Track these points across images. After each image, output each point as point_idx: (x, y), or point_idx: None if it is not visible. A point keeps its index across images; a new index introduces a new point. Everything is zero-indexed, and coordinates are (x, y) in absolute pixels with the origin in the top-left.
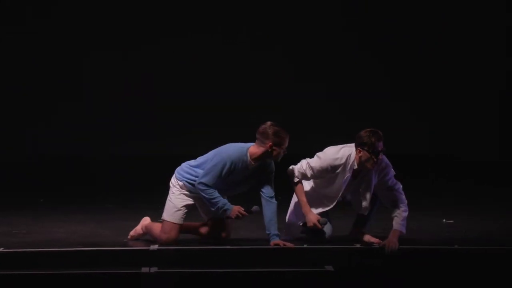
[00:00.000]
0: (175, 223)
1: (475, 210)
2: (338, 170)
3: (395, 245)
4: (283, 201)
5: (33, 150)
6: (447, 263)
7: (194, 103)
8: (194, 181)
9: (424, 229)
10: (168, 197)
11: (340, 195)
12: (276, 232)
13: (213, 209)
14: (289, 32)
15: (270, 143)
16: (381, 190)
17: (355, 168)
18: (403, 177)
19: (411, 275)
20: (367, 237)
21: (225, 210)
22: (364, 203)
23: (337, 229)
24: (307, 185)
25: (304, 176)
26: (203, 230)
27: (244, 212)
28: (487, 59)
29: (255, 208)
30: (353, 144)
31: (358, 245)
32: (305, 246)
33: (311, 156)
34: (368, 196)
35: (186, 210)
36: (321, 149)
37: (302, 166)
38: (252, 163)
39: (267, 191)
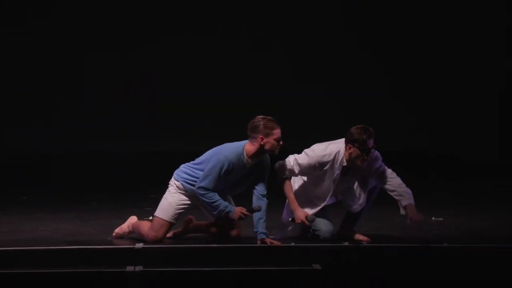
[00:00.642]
0: (165, 221)
1: (464, 208)
2: (326, 167)
3: (419, 216)
4: (271, 199)
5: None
6: (436, 261)
7: (193, 102)
8: (193, 180)
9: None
10: (164, 195)
11: (330, 193)
12: (264, 230)
13: (215, 212)
14: (289, 32)
15: (261, 136)
16: (376, 179)
17: (344, 165)
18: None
19: (398, 273)
20: (357, 236)
21: (228, 213)
22: (361, 201)
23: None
24: (296, 185)
25: (291, 172)
26: (213, 229)
27: (246, 213)
28: (487, 59)
29: (257, 206)
30: (340, 140)
31: (346, 243)
32: (292, 244)
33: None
34: (363, 193)
35: (180, 211)
36: None
37: (290, 162)
38: (249, 161)
39: (260, 189)
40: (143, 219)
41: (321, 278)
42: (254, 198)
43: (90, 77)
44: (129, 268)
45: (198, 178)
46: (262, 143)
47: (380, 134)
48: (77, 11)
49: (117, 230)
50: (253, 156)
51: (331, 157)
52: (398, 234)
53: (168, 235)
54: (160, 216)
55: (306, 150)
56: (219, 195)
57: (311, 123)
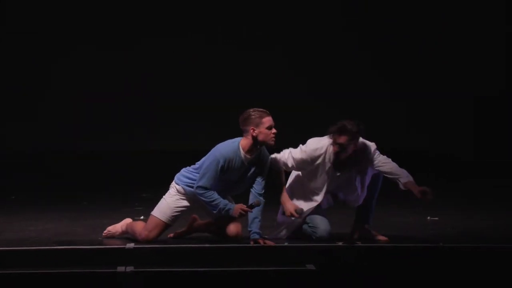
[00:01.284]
0: (161, 221)
1: (459, 207)
2: (319, 161)
3: (426, 189)
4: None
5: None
6: (431, 260)
7: (193, 102)
8: (193, 184)
9: (409, 227)
10: (164, 196)
11: (325, 188)
12: (258, 230)
13: (215, 211)
14: (289, 32)
15: (252, 127)
16: (372, 167)
17: (335, 159)
18: None
19: (394, 273)
20: (374, 235)
21: (228, 210)
22: (357, 192)
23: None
24: (292, 179)
25: (285, 166)
26: (215, 229)
27: (246, 209)
28: (488, 59)
29: (256, 202)
30: None
31: (340, 243)
32: (286, 244)
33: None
34: (359, 183)
35: (177, 213)
36: None
37: (284, 155)
38: (248, 156)
39: (257, 187)
40: (135, 219)
41: (315, 279)
42: (251, 197)
43: (79, 76)
44: (120, 269)
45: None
46: (254, 134)
47: (380, 133)
48: (76, 9)
49: (110, 228)
50: (249, 150)
51: (323, 150)
52: (393, 234)
53: (171, 235)
54: (156, 216)
55: (301, 145)
56: (220, 195)
57: (311, 123)
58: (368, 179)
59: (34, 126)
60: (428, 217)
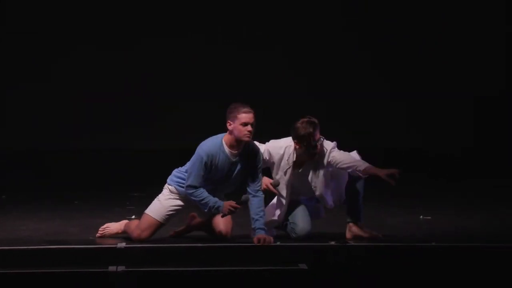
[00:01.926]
0: (155, 220)
1: (452, 207)
2: (275, 161)
3: (393, 171)
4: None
5: None
6: (424, 260)
7: (192, 102)
8: (184, 183)
9: (401, 226)
10: (157, 197)
11: (286, 190)
12: (261, 226)
13: (205, 210)
14: (289, 32)
15: (229, 121)
16: (334, 166)
17: (294, 160)
18: None
19: (386, 272)
20: (368, 232)
21: (217, 208)
22: (317, 193)
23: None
24: None
25: None
26: (208, 228)
27: (236, 205)
28: (488, 59)
29: (244, 197)
30: None
31: (332, 243)
32: (278, 243)
33: None
34: (318, 184)
35: (171, 212)
36: None
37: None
38: (232, 151)
39: (252, 185)
40: (126, 218)
41: (307, 278)
42: (249, 196)
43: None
44: (111, 268)
45: None
46: (230, 128)
47: (380, 133)
48: (75, 9)
49: (109, 225)
50: (232, 145)
51: (281, 150)
52: (385, 233)
53: (172, 234)
54: (150, 214)
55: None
56: (215, 190)
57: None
58: (341, 181)
59: (29, 125)
60: (421, 216)
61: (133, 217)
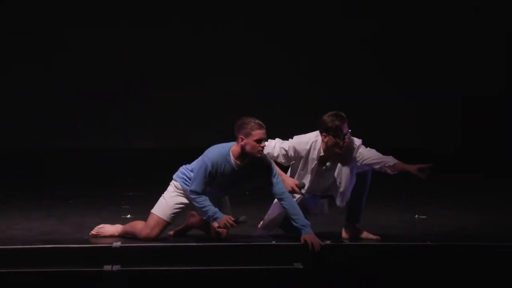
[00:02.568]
0: (161, 219)
1: (448, 206)
2: (302, 156)
3: (423, 165)
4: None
5: None
6: (420, 259)
7: (192, 103)
8: (188, 182)
9: (397, 225)
10: (163, 194)
11: (308, 184)
12: (304, 222)
13: (204, 217)
14: (289, 32)
15: (241, 136)
16: (360, 163)
17: (321, 155)
18: None
19: (382, 271)
20: (365, 234)
21: (215, 219)
22: (341, 189)
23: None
24: None
25: (271, 156)
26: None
27: (232, 222)
28: (488, 59)
29: (242, 218)
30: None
31: (328, 242)
32: (273, 243)
33: None
34: (344, 180)
35: (177, 210)
36: None
37: (272, 144)
38: (238, 162)
39: (274, 190)
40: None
41: (302, 277)
42: (277, 201)
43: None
44: (107, 268)
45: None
46: (242, 143)
47: (379, 133)
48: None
49: (104, 226)
50: (239, 157)
51: (308, 146)
52: (381, 232)
53: (171, 233)
54: (157, 214)
55: (290, 139)
56: (216, 195)
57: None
58: (353, 180)
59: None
60: (416, 216)
61: (128, 216)
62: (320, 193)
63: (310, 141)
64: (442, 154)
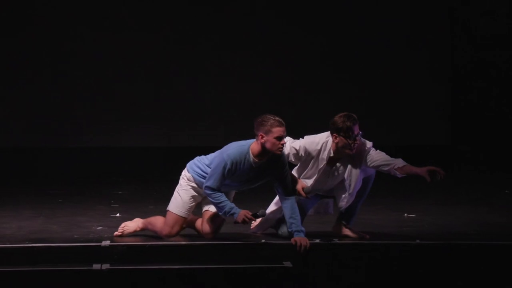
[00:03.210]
0: (179, 216)
1: (437, 204)
2: (313, 156)
3: (434, 168)
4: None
5: None
6: (408, 257)
7: (192, 103)
8: (203, 176)
9: (386, 224)
10: (176, 189)
11: (313, 182)
12: (299, 228)
13: (220, 213)
14: (288, 33)
15: (261, 134)
16: (370, 165)
17: (331, 156)
18: None
19: (371, 270)
20: (349, 232)
21: (232, 214)
22: (350, 190)
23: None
24: None
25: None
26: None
27: (251, 217)
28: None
29: (261, 212)
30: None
31: (317, 241)
32: (263, 241)
33: None
34: (353, 181)
35: (193, 204)
36: None
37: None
38: (256, 160)
39: (281, 189)
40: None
41: (291, 276)
42: (280, 200)
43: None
44: (96, 266)
45: (207, 174)
46: (262, 141)
47: (380, 132)
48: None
49: (127, 224)
50: (259, 155)
51: (318, 146)
52: (369, 231)
53: None
54: (174, 212)
55: (300, 138)
56: (228, 190)
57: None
58: (359, 183)
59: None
60: (405, 214)
61: (118, 214)
62: (322, 193)
63: (321, 141)
64: (429, 152)
